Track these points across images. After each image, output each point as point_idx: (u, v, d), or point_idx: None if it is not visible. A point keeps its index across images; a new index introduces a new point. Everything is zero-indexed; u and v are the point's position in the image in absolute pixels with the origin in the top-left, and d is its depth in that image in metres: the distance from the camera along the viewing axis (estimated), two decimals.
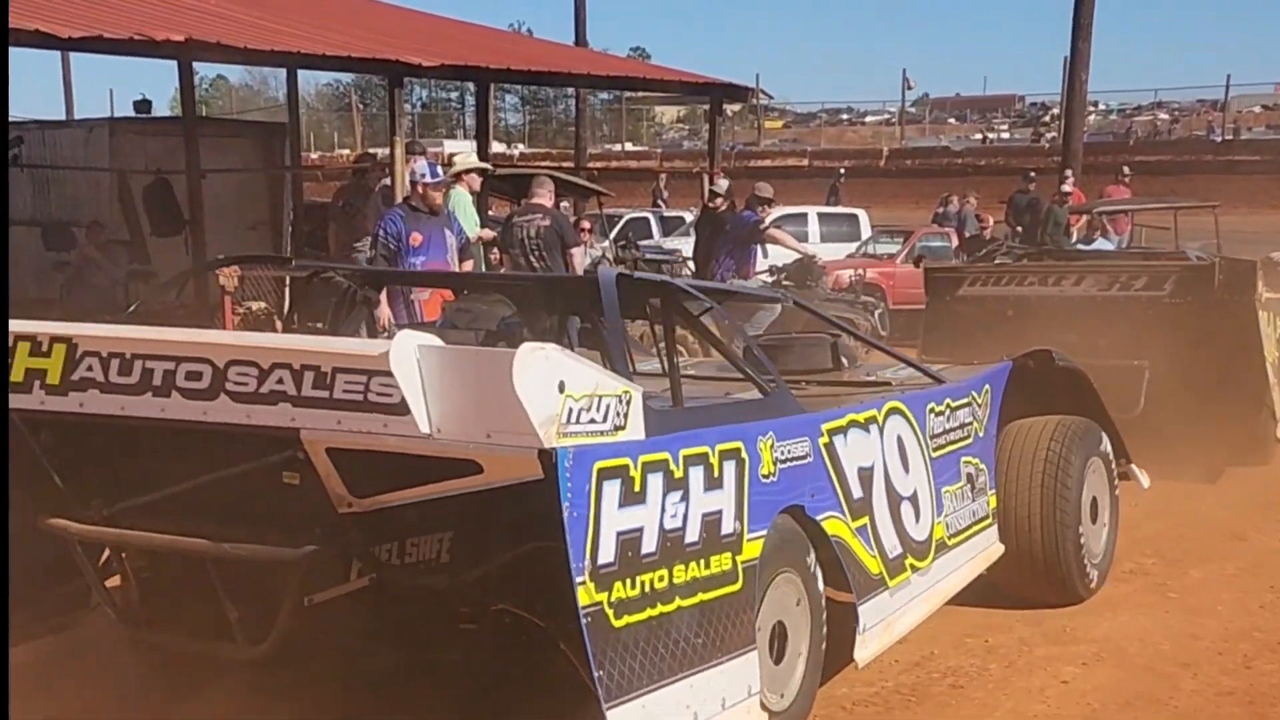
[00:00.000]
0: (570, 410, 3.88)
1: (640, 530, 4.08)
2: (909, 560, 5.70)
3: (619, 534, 3.98)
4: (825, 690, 5.38)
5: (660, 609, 4.16)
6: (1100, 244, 19.30)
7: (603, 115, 65.57)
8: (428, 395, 3.93)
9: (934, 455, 6.06)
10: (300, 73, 19.90)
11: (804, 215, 25.24)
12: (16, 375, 4.46)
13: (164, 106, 30.38)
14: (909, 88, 65.24)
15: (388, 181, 13.73)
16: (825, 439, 5.19)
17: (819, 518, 5.06)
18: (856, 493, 5.36)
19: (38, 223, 17.67)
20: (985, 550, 6.49)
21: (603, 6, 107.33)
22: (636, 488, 4.05)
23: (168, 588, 4.95)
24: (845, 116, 70.14)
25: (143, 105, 21.95)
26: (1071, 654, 6.05)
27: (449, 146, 49.43)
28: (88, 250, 16.14)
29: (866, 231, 25.55)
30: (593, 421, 3.96)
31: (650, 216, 28.05)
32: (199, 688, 5.08)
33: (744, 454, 4.60)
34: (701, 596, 4.34)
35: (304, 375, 4.09)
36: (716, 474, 4.44)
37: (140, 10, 13.73)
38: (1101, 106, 60.46)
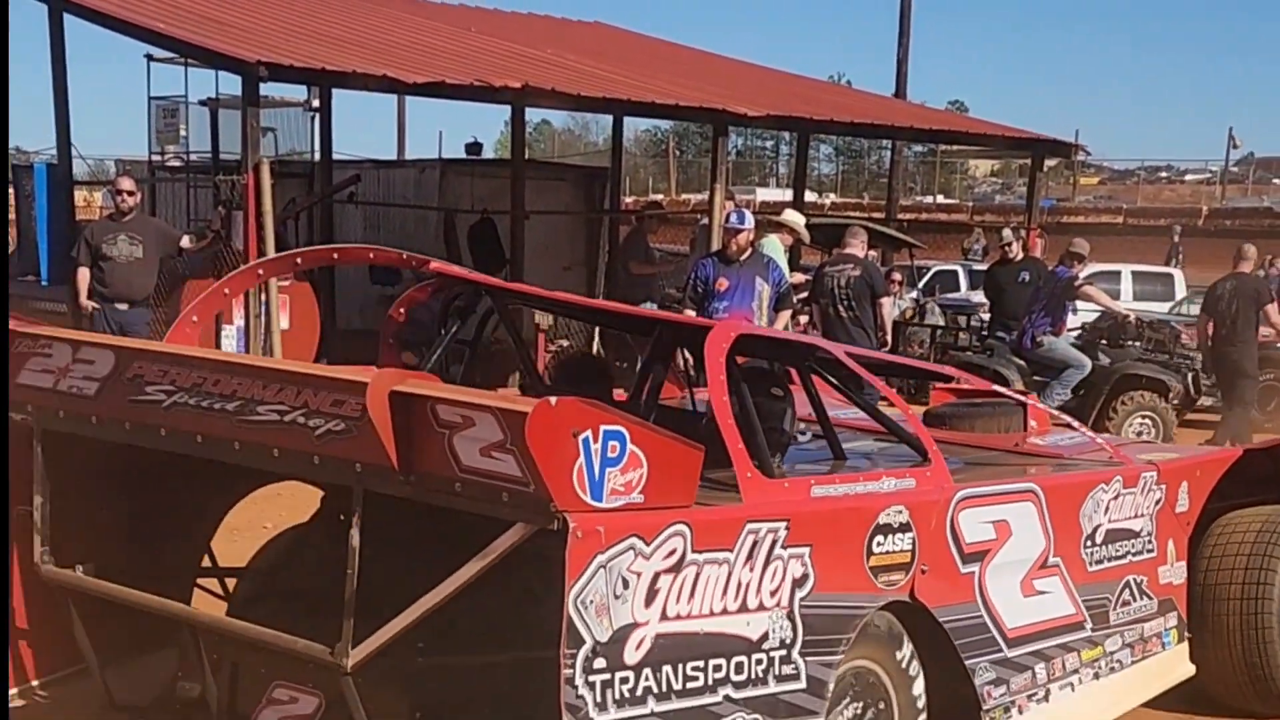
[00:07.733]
0: None
1: None
2: None
3: None
4: None
5: None
6: None
7: (915, 167, 65.18)
8: None
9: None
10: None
11: (1117, 273, 24.78)
12: None
13: (489, 149, 31.51)
14: (1234, 146, 63.06)
15: (705, 221, 14.06)
16: None
17: None
18: None
19: None
20: None
21: (919, 60, 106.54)
22: None
23: None
24: (1164, 174, 68.15)
25: (474, 148, 22.80)
26: None
27: (761, 194, 49.96)
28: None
29: (1181, 292, 24.94)
30: None
31: (959, 269, 27.87)
32: None
33: None
34: None
35: None
36: None
37: (479, 59, 14.44)
38: None
